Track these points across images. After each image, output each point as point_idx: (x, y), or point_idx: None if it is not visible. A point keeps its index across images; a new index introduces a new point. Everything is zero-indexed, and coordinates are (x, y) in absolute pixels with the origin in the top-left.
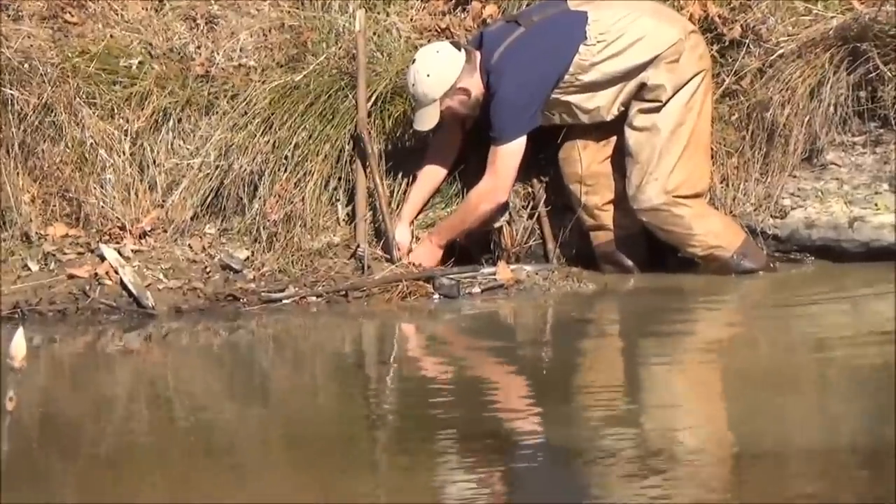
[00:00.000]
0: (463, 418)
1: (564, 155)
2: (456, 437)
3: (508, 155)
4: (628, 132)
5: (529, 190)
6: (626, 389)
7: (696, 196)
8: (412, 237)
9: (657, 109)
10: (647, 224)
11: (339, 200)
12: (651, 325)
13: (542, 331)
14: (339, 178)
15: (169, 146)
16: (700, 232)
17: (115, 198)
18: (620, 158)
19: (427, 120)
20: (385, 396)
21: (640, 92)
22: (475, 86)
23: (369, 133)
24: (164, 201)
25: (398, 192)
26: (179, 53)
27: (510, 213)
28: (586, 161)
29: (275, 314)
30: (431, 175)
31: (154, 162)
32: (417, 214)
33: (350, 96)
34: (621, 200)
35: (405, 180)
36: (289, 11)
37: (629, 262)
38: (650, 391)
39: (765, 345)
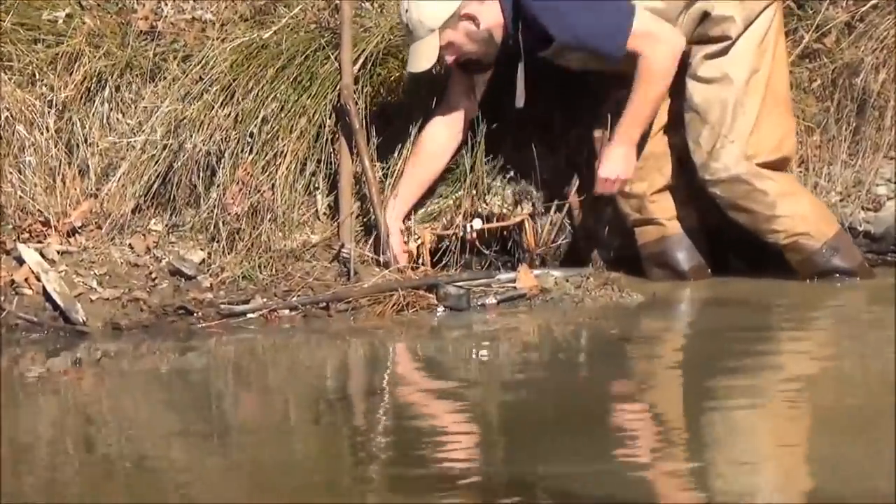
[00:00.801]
0: (475, 468)
1: (600, 133)
2: (467, 493)
3: (642, 33)
4: (692, 86)
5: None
6: (686, 438)
7: (783, 162)
8: (406, 235)
9: (724, 52)
10: (719, 199)
11: (317, 189)
12: (714, 350)
13: (573, 355)
14: (319, 161)
15: (104, 121)
16: (785, 213)
17: (36, 186)
18: (675, 131)
19: (422, 57)
20: (376, 439)
21: (703, 26)
22: (487, 15)
23: (356, 103)
24: (97, 190)
25: (392, 178)
26: (117, 4)
27: (533, 204)
28: None
29: (238, 332)
30: (431, 156)
31: (86, 141)
32: (414, 208)
33: (332, 58)
34: (676, 187)
35: (402, 162)
36: None
37: (684, 266)
38: (717, 441)
39: (857, 382)
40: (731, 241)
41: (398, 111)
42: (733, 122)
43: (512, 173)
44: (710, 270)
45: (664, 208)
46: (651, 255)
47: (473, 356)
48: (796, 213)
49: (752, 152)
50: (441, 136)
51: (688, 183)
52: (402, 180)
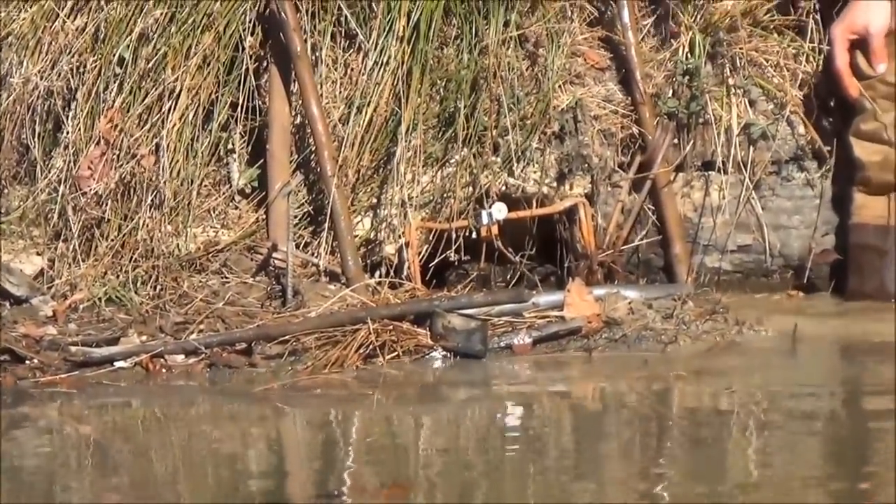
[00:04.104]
0: None
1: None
2: None
3: None
4: None
5: (634, 128)
6: None
7: None
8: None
9: None
10: None
11: (231, 153)
12: None
13: (670, 449)
14: (234, 107)
15: None
16: None
17: None
18: None
19: None
20: None
21: None
22: None
23: (298, 9)
24: None
25: (353, 131)
26: None
27: (593, 178)
28: None
29: (100, 394)
30: None
31: None
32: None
33: None
34: None
35: (375, 106)
36: None
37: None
38: None
39: None
40: None
41: (366, 17)
42: None
43: (557, 125)
44: None
45: None
46: (864, 247)
47: (494, 443)
48: None
49: None
50: None
51: None
52: None
